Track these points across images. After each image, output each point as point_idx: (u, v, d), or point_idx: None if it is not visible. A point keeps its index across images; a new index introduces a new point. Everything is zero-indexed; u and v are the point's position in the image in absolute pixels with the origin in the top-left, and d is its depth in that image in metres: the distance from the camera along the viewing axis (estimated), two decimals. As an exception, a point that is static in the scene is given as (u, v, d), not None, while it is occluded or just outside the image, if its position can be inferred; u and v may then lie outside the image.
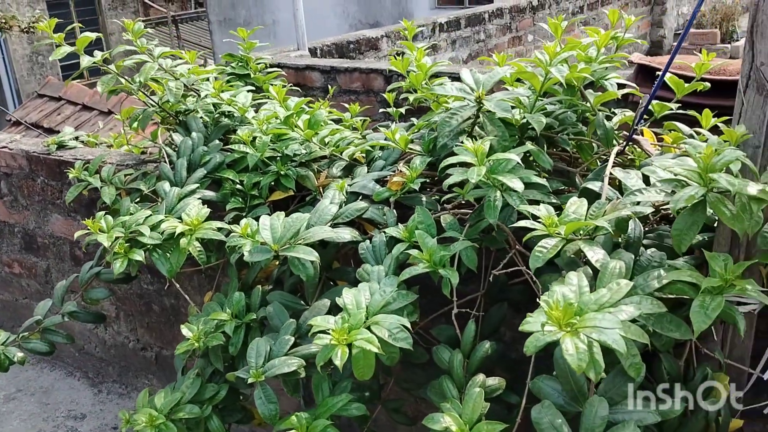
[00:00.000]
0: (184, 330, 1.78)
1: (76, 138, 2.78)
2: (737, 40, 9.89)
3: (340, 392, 1.63)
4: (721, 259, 1.27)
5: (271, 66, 3.63)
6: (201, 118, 2.23)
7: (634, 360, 1.26)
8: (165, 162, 2.14)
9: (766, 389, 1.46)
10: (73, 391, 3.03)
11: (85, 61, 2.11)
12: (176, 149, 2.13)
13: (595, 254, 1.36)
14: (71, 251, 2.87)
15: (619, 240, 1.47)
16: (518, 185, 1.46)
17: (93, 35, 2.11)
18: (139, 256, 1.80)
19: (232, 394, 1.89)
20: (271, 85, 2.42)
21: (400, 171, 1.76)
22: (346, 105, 2.44)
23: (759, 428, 1.58)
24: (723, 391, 1.39)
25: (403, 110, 2.39)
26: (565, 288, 1.20)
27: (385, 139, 1.88)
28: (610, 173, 1.53)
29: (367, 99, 3.54)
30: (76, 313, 2.19)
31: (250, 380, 1.55)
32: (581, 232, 1.43)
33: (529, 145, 1.67)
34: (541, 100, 1.77)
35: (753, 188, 1.17)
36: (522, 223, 1.39)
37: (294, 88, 2.71)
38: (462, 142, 1.53)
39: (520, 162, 1.49)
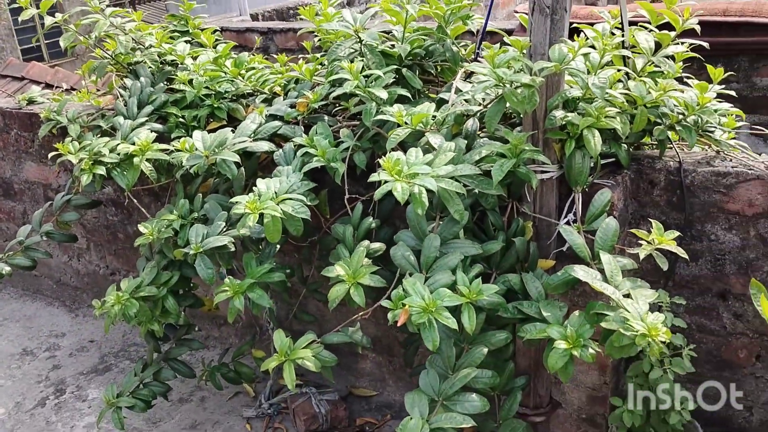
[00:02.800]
0: (141, 227, 2.26)
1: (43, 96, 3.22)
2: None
3: (264, 264, 2.13)
4: (513, 132, 1.79)
5: (215, 30, 4.08)
6: (149, 66, 2.69)
7: (458, 207, 1.78)
8: (120, 102, 2.60)
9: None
10: (53, 317, 3.50)
11: (49, 20, 2.55)
12: (128, 91, 2.60)
13: (435, 139, 1.88)
14: (45, 193, 3.31)
15: (460, 131, 1.98)
16: (383, 94, 1.97)
17: (54, -1, 2.56)
18: (101, 170, 2.27)
19: (184, 280, 2.38)
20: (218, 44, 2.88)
21: (305, 95, 2.25)
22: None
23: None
24: (529, 232, 1.92)
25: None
26: (403, 155, 1.71)
27: (297, 73, 2.37)
28: (456, 85, 2.04)
29: (302, 55, 4.00)
30: (52, 233, 2.66)
31: (191, 252, 2.04)
32: (431, 126, 1.94)
33: (403, 70, 2.18)
34: (417, 34, 2.27)
35: (525, 78, 1.69)
36: (380, 117, 1.89)
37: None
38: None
39: (383, 77, 1.99)
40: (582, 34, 1.88)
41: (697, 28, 1.91)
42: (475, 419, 2.37)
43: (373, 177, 1.67)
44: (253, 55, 2.92)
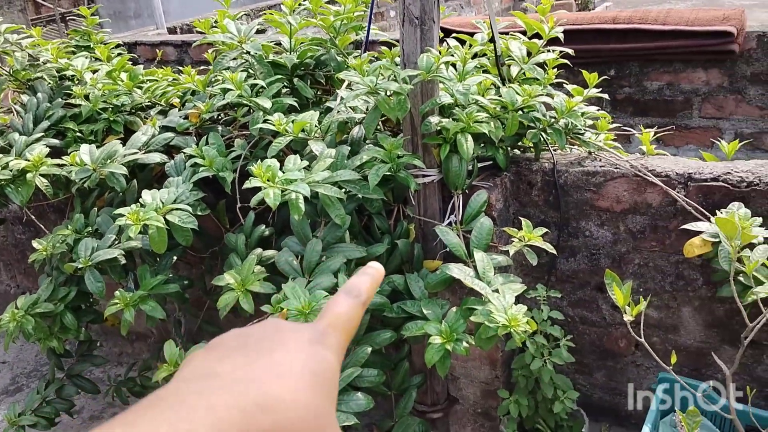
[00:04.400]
0: (35, 243, 2.25)
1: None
2: (594, 8, 10.83)
3: (159, 276, 2.15)
4: (387, 137, 1.86)
5: (129, 44, 4.06)
6: (47, 82, 2.68)
7: (338, 212, 1.84)
8: (16, 118, 2.58)
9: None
10: (-36, 340, 3.41)
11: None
12: (25, 107, 2.58)
13: (317, 147, 1.93)
14: (-51, 213, 3.24)
15: (345, 138, 2.04)
16: (267, 103, 2.01)
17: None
18: (-7, 187, 2.25)
19: (83, 296, 2.37)
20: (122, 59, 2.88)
21: (197, 106, 2.28)
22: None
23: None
24: (412, 234, 1.99)
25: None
26: (277, 162, 1.76)
27: (192, 84, 2.40)
28: (340, 94, 2.11)
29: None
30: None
31: (80, 266, 2.04)
32: (314, 133, 2.00)
33: (295, 80, 2.23)
34: (308, 45, 2.32)
35: (393, 85, 1.76)
36: (261, 125, 1.94)
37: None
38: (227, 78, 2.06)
39: (266, 87, 2.04)
40: (445, 44, 1.97)
41: (561, 36, 2.02)
42: (372, 418, 2.43)
43: (246, 185, 1.71)
44: (163, 68, 2.93)
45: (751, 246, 1.74)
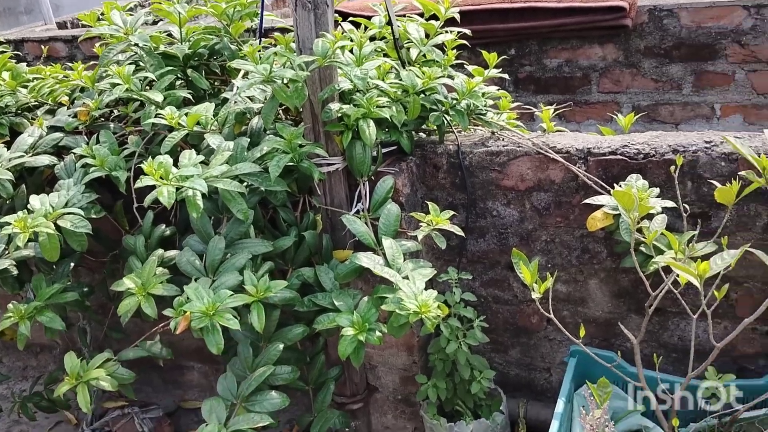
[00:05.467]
0: None
1: None
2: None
3: (56, 284, 2.01)
4: (287, 126, 1.80)
5: (16, 41, 3.81)
6: None
7: (240, 207, 1.77)
8: None
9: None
10: None
11: None
12: None
13: (214, 140, 1.85)
14: None
15: (244, 130, 1.97)
16: (158, 97, 1.92)
17: None
18: None
19: (-29, 312, 2.20)
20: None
21: (85, 103, 2.15)
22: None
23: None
24: (319, 225, 1.95)
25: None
26: (170, 158, 1.67)
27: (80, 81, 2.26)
28: (236, 84, 2.03)
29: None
30: None
31: (-36, 280, 1.89)
32: (211, 126, 1.91)
33: (188, 71, 2.13)
34: (201, 34, 2.22)
35: (289, 72, 1.70)
36: (153, 120, 1.84)
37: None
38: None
39: (156, 79, 1.94)
40: (340, 28, 1.92)
41: (457, 16, 2.01)
42: (291, 414, 2.38)
43: (138, 184, 1.62)
44: (51, 65, 2.75)
45: (650, 216, 1.79)
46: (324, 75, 1.84)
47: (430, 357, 2.10)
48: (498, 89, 2.13)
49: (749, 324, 1.76)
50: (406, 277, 1.72)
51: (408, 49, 2.10)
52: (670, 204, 1.82)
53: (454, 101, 2.02)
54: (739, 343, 1.99)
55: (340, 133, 1.90)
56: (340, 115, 1.86)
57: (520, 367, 2.30)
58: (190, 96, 2.05)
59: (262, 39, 2.19)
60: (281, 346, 1.81)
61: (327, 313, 1.81)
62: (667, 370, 2.05)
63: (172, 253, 1.97)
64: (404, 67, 2.05)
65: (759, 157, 1.55)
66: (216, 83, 2.30)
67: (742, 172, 1.64)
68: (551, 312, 1.73)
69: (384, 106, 1.86)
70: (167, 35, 2.24)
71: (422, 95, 1.97)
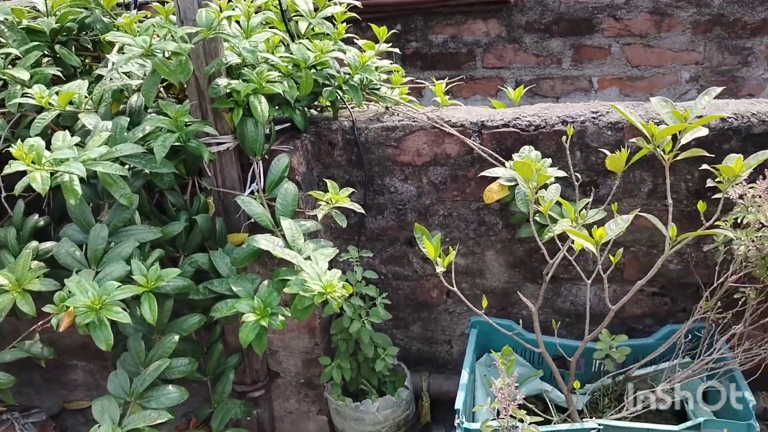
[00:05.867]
0: None
1: None
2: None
3: None
4: (171, 104, 1.68)
5: None
6: None
7: (123, 192, 1.64)
8: None
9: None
10: None
11: None
12: None
13: (90, 120, 1.70)
14: None
15: (123, 109, 1.82)
16: (24, 75, 1.73)
17: None
18: None
19: None
20: None
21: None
22: None
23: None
24: (211, 208, 1.85)
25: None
26: (42, 141, 1.52)
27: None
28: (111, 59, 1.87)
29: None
30: None
31: None
32: (85, 105, 1.76)
33: (56, 47, 1.95)
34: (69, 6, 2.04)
35: (171, 45, 1.58)
36: (19, 100, 1.67)
37: None
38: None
39: (21, 56, 1.75)
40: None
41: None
42: (189, 407, 2.27)
43: (7, 170, 1.46)
44: None
45: (545, 186, 1.83)
46: (209, 48, 1.73)
47: (332, 338, 2.06)
48: (391, 63, 2.10)
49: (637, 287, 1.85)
50: (308, 258, 1.66)
51: (296, 21, 2.02)
52: (561, 174, 1.86)
53: (347, 76, 1.96)
54: (628, 305, 2.08)
55: (229, 110, 1.80)
56: (228, 91, 1.76)
57: (422, 342, 2.31)
58: (59, 74, 1.87)
59: (137, 12, 2.04)
60: (176, 337, 1.71)
61: (225, 299, 1.72)
62: (562, 335, 2.11)
63: (48, 244, 1.81)
64: (293, 41, 1.97)
65: (647, 124, 1.60)
66: (87, 60, 2.12)
67: (632, 140, 1.69)
68: (453, 283, 1.73)
69: (275, 81, 1.78)
70: (32, 8, 2.04)
71: (314, 70, 1.91)
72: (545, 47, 3.27)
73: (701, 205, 1.65)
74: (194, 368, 1.75)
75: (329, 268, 1.64)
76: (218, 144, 1.83)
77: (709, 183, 1.68)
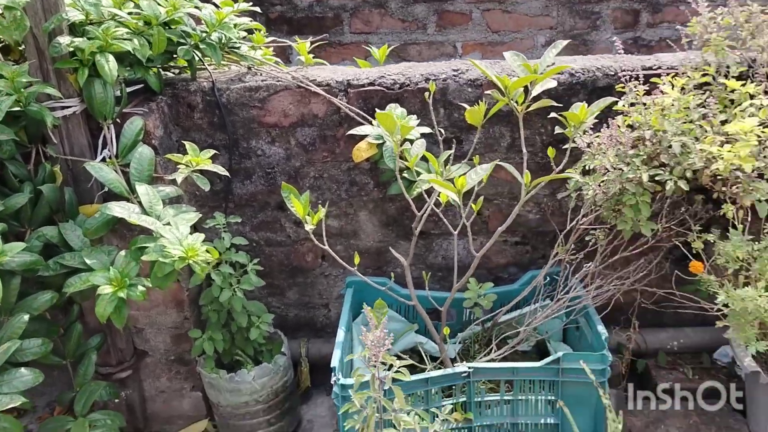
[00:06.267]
0: None
1: None
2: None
3: None
4: (7, 64, 1.54)
5: None
6: None
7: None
8: None
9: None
10: None
11: None
12: None
13: None
14: None
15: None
16: None
17: None
18: None
19: None
20: None
21: None
22: None
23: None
24: (58, 177, 1.72)
25: None
26: None
27: None
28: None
29: None
30: None
31: None
32: None
33: None
34: None
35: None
36: None
37: None
38: None
39: None
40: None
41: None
42: (51, 396, 2.14)
43: None
44: None
45: (411, 143, 1.84)
46: (47, 4, 1.59)
47: (203, 309, 1.98)
48: (251, 20, 2.02)
49: (501, 236, 1.91)
50: (168, 224, 1.58)
51: (146, -24, 1.89)
52: (426, 130, 1.88)
53: (204, 34, 1.87)
54: (493, 255, 2.16)
55: (74, 70, 1.67)
56: (72, 49, 1.63)
57: (299, 308, 2.28)
58: None
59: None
60: (26, 317, 1.57)
61: (78, 273, 1.61)
62: (435, 289, 2.15)
63: None
64: (144, -3, 1.85)
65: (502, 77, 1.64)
66: None
67: (488, 92, 1.73)
68: (326, 245, 1.71)
69: (124, 39, 1.67)
70: None
71: (167, 27, 1.80)
72: (410, 12, 3.29)
73: (551, 151, 1.73)
74: (48, 349, 1.63)
75: (192, 233, 1.57)
76: (63, 108, 1.69)
77: (557, 130, 1.75)
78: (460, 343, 2.06)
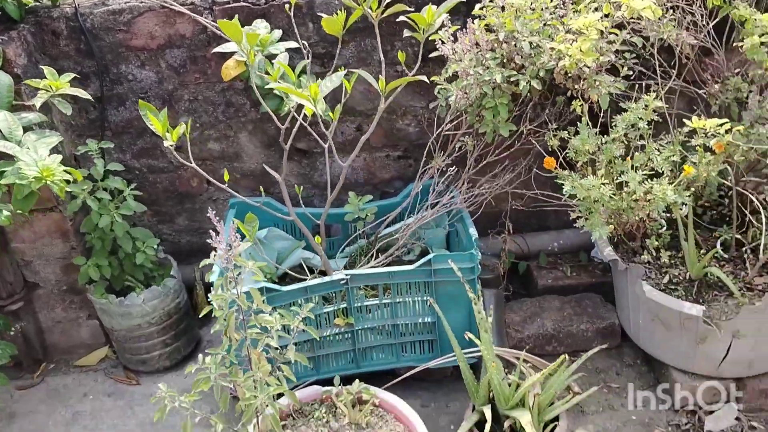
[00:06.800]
0: None
1: None
2: None
3: None
4: None
5: None
6: None
7: None
8: None
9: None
10: None
11: None
12: None
13: None
14: None
15: None
16: None
17: None
18: None
19: None
20: None
21: None
22: None
23: None
24: None
25: None
26: None
27: None
28: None
29: None
30: None
31: None
32: None
33: None
34: None
35: None
36: None
37: None
38: None
39: None
40: None
41: None
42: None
43: None
44: None
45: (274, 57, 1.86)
46: None
47: (87, 237, 2.00)
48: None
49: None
50: (29, 149, 1.58)
51: None
52: (294, 45, 1.90)
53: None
54: (377, 170, 2.21)
55: None
56: None
57: (190, 234, 2.30)
58: None
59: None
60: None
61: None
62: (322, 207, 2.19)
63: None
64: None
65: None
66: None
67: (344, 1, 1.75)
68: (191, 159, 1.72)
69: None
70: None
71: (18, -51, 1.75)
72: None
73: (401, 55, 1.77)
74: None
75: (53, 157, 1.57)
76: None
77: (406, 33, 1.77)
78: (346, 257, 2.13)
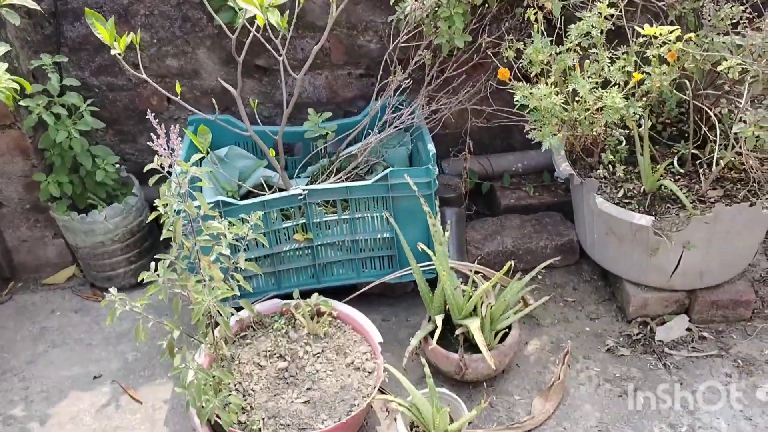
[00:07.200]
0: None
1: None
2: None
3: None
4: None
5: None
6: None
7: None
8: None
9: None
10: None
11: None
12: None
13: None
14: None
15: None
16: None
17: None
18: None
19: None
20: None
21: None
22: None
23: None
24: None
25: None
26: None
27: None
28: None
29: None
30: None
31: None
32: None
33: None
34: None
35: None
36: None
37: None
38: None
39: None
40: None
41: None
42: None
43: None
44: None
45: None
46: None
47: (46, 154, 1.99)
48: None
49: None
50: (-28, 57, 1.56)
51: None
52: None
53: None
54: (340, 89, 2.20)
55: None
56: None
57: (153, 153, 2.28)
58: None
59: None
60: None
61: None
62: (275, 123, 2.18)
63: None
64: None
65: None
66: None
67: None
68: (141, 69, 1.70)
69: None
70: None
71: None
72: None
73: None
74: None
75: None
76: None
77: None
78: (309, 176, 2.14)
